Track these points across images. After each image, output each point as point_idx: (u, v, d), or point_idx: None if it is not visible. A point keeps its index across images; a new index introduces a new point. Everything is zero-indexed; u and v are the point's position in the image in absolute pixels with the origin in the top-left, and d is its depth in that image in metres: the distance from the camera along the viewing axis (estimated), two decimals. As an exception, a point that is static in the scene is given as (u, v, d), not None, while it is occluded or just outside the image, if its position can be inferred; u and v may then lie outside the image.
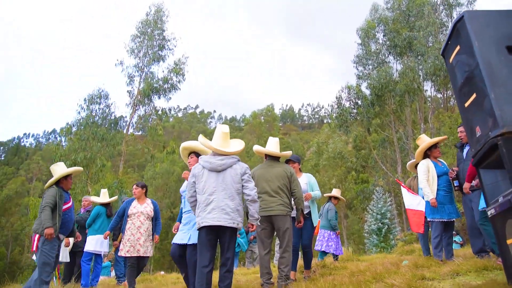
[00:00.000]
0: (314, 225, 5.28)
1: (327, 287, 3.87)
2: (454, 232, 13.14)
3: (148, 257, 5.75)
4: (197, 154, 4.49)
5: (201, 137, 4.20)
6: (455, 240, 11.71)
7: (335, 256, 7.66)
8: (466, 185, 4.69)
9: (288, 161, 5.33)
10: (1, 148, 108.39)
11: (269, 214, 4.52)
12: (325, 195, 8.40)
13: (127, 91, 21.12)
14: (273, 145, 4.90)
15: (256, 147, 5.10)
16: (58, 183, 5.07)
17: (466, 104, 2.85)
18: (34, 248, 4.25)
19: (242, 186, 3.90)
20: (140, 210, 5.76)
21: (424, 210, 5.43)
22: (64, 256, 6.77)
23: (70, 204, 5.22)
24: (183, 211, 4.64)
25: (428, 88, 24.50)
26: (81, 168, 5.94)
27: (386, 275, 4.07)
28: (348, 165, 32.01)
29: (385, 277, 3.94)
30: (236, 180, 3.88)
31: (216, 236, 3.82)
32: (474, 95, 2.68)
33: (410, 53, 22.46)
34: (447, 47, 2.97)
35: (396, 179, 9.91)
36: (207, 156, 4.00)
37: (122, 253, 5.56)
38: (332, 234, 7.73)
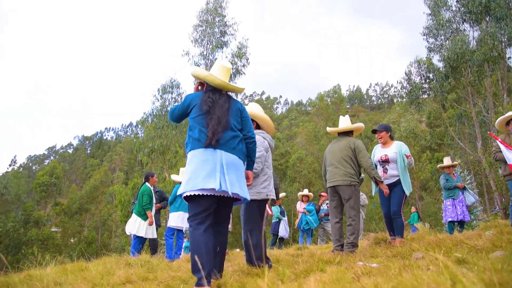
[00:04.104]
0: (406, 193, 5.08)
1: (404, 251, 3.84)
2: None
3: None
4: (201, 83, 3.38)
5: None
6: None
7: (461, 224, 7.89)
8: None
9: (374, 131, 5.35)
10: (87, 142, 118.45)
11: (334, 185, 4.79)
12: (438, 166, 8.49)
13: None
14: (342, 123, 5.20)
15: (329, 129, 5.42)
16: None
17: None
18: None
19: None
20: None
21: None
22: (150, 232, 7.28)
23: None
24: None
25: (512, 56, 22.31)
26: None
27: (467, 241, 3.92)
28: (422, 143, 30.45)
29: (467, 242, 3.80)
30: None
31: None
32: None
33: (488, 17, 20.58)
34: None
35: (489, 132, 9.27)
36: None
37: None
38: (447, 201, 7.85)
